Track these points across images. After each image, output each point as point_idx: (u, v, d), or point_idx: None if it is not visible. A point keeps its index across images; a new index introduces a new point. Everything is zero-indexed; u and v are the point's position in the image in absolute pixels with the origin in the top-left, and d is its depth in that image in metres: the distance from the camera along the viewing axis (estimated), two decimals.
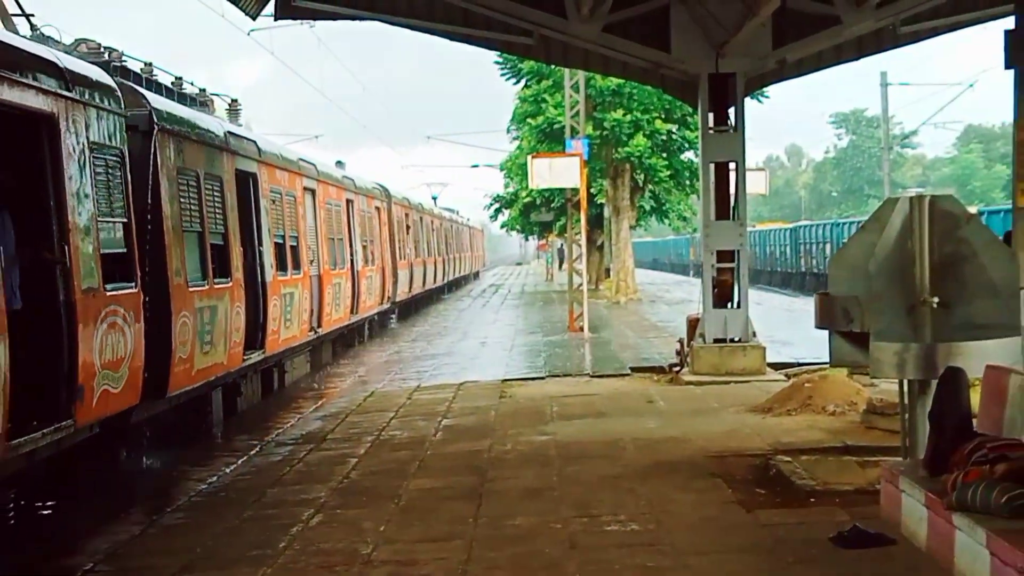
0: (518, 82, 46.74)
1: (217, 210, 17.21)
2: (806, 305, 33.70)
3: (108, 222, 12.91)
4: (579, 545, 9.21)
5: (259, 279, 19.29)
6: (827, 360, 11.52)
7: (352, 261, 29.08)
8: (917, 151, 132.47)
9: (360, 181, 32.63)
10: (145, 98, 14.85)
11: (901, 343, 9.58)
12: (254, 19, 20.06)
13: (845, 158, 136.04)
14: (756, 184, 34.93)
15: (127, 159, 13.53)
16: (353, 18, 20.04)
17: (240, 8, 18.69)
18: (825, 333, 10.29)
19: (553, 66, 38.40)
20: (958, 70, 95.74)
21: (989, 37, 18.34)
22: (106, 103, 12.98)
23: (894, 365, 9.68)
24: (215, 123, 18.22)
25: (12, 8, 13.56)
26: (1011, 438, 8.14)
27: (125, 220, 13.38)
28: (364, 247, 31.34)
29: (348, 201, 29.48)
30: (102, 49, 15.06)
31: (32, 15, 13.71)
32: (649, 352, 25.19)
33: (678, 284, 62.93)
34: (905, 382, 10.09)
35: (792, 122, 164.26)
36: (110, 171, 13.00)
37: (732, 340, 19.44)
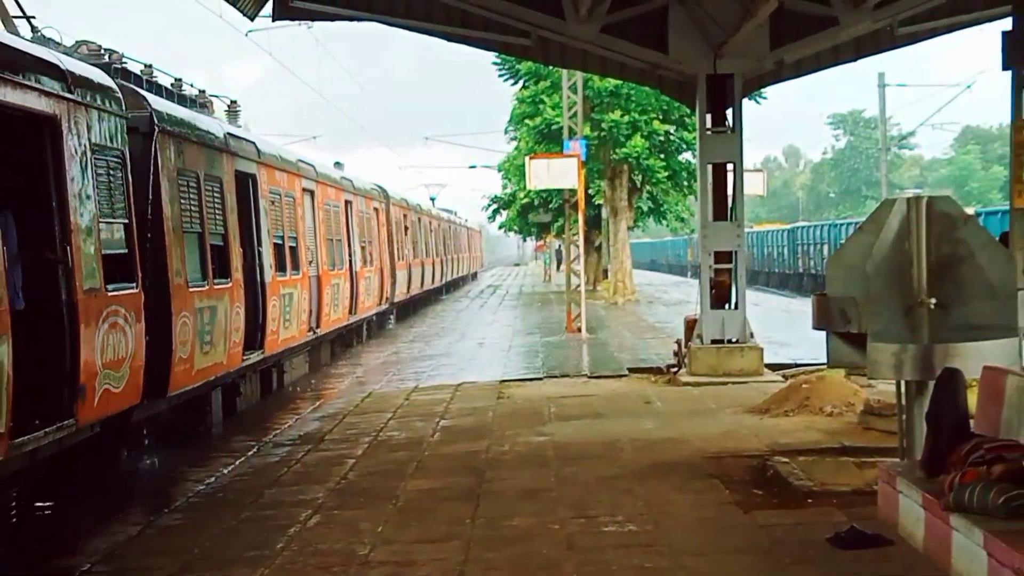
0: (516, 83, 46.76)
1: (217, 211, 17.25)
2: (803, 306, 33.65)
3: (109, 223, 12.95)
4: (577, 546, 9.23)
5: (258, 280, 19.32)
6: (824, 361, 11.56)
7: (351, 262, 29.11)
8: (915, 152, 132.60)
9: (358, 182, 32.65)
10: (146, 100, 14.89)
11: (898, 344, 9.59)
12: (252, 20, 20.07)
13: (843, 159, 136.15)
14: (754, 185, 34.89)
15: (128, 160, 13.58)
16: (351, 19, 20.04)
17: (238, 9, 18.69)
18: (823, 334, 10.30)
19: (551, 67, 38.40)
20: (956, 71, 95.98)
21: (987, 38, 18.39)
22: (107, 105, 13.03)
23: (891, 366, 9.69)
24: (215, 124, 18.25)
25: (13, 10, 13.59)
26: (1008, 439, 8.15)
27: (126, 221, 13.43)
28: (362, 248, 31.36)
29: (347, 202, 29.50)
30: (102, 51, 15.10)
31: (33, 17, 13.76)
32: (647, 353, 25.22)
33: (676, 285, 62.93)
34: (902, 383, 10.09)
35: (790, 123, 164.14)
36: (111, 172, 13.05)
37: (730, 341, 19.45)
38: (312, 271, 24.05)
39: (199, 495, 12.69)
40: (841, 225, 56.20)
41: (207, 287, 16.28)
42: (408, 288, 42.14)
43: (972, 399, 9.01)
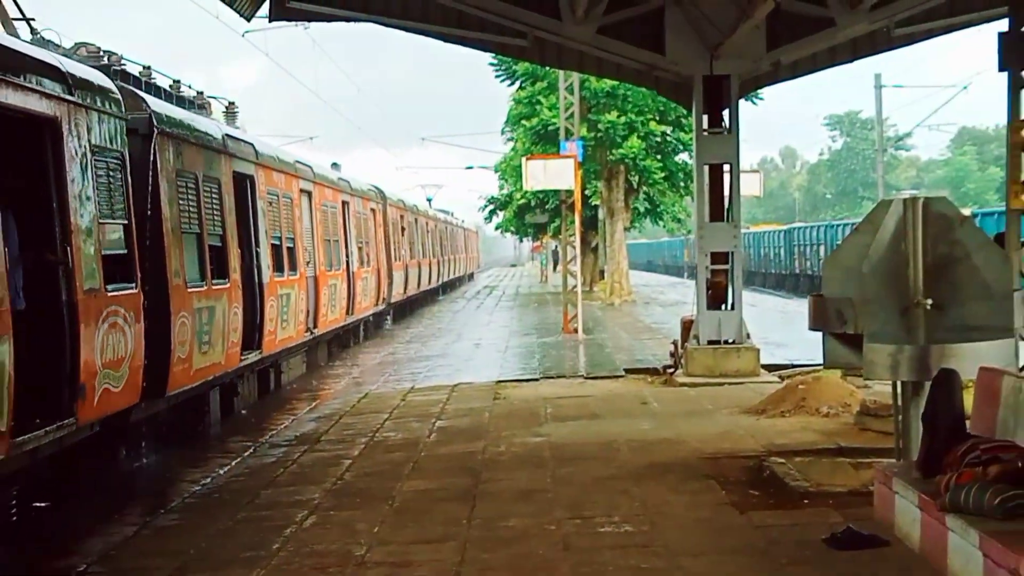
0: (512, 84, 46.80)
1: (215, 212, 17.29)
2: (800, 307, 33.71)
3: (109, 224, 13.02)
4: (573, 546, 9.23)
5: (256, 280, 19.36)
6: (821, 362, 11.57)
7: (348, 262, 29.15)
8: (911, 153, 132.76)
9: (356, 183, 32.69)
10: (145, 102, 14.94)
11: (895, 345, 9.61)
12: (248, 20, 20.09)
13: (839, 160, 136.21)
14: (750, 186, 34.94)
15: (127, 162, 13.65)
16: (347, 19, 20.05)
17: (235, 9, 18.71)
18: (819, 335, 10.30)
19: (547, 68, 38.43)
20: (952, 72, 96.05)
21: (983, 39, 18.40)
22: (107, 107, 13.08)
23: (888, 367, 9.71)
24: (213, 126, 18.30)
25: (13, 12, 13.61)
26: (1004, 440, 8.17)
27: (125, 222, 13.50)
28: (359, 248, 31.38)
29: (344, 203, 29.53)
30: (101, 53, 15.17)
31: (33, 19, 13.79)
32: (643, 354, 25.23)
33: (672, 286, 62.90)
34: (898, 384, 10.12)
35: (786, 124, 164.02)
36: (111, 174, 13.10)
37: (726, 342, 19.45)
38: (309, 272, 24.08)
39: (195, 495, 12.69)
40: (837, 226, 56.24)
41: (205, 287, 16.33)
42: (405, 289, 42.17)
43: (968, 400, 9.03)
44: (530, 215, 52.15)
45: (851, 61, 20.90)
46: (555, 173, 29.25)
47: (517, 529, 9.86)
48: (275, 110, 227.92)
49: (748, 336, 19.70)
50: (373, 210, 35.27)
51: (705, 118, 19.69)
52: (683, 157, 44.46)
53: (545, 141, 42.89)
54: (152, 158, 14.65)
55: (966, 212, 19.54)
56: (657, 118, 42.69)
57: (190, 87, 18.57)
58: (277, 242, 21.11)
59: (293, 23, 22.10)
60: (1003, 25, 14.70)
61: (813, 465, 11.91)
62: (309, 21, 21.44)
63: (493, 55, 40.03)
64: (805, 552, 8.67)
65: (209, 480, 13.57)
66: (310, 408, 19.69)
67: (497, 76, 45.82)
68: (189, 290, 15.56)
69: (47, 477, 12.46)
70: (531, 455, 13.39)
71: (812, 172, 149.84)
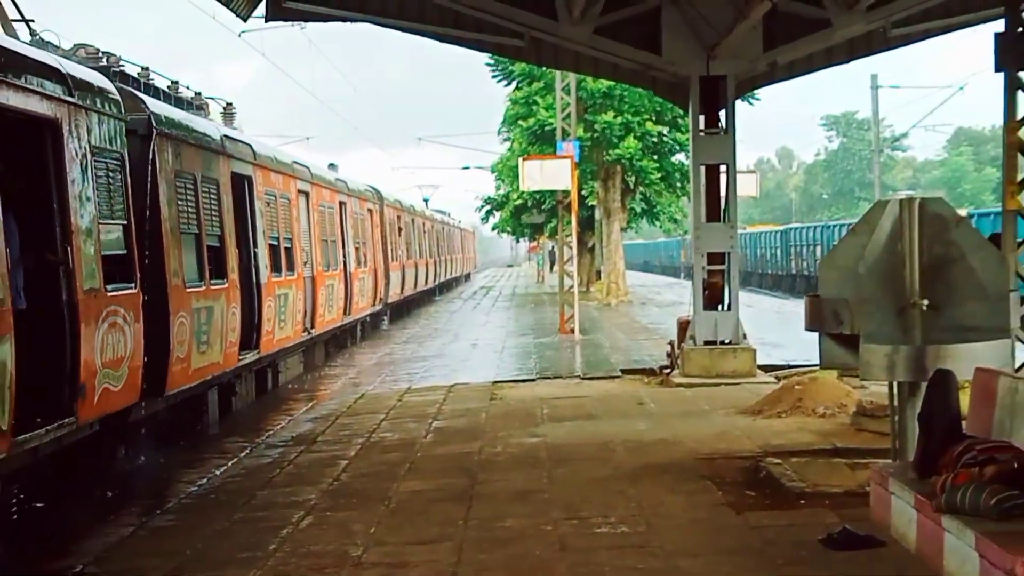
0: (509, 84, 46.80)
1: (213, 212, 17.32)
2: (796, 307, 33.83)
3: (109, 224, 13.04)
4: (569, 547, 9.24)
5: (254, 280, 19.38)
6: (817, 362, 11.55)
7: (345, 263, 29.17)
8: (907, 154, 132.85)
9: (353, 183, 32.70)
10: (144, 103, 14.97)
11: (891, 345, 9.62)
12: (245, 20, 20.11)
13: (835, 160, 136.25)
14: (747, 186, 34.90)
15: (127, 163, 13.67)
16: (344, 19, 20.07)
17: (231, 9, 18.74)
18: (815, 335, 10.32)
19: (544, 68, 38.44)
20: (948, 73, 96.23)
21: (979, 40, 18.46)
22: (107, 108, 13.11)
23: (884, 367, 9.72)
24: (211, 127, 18.34)
25: (12, 14, 13.62)
26: (1000, 440, 8.17)
27: (125, 222, 13.53)
28: (357, 249, 31.39)
29: (341, 203, 29.54)
30: (100, 54, 15.19)
31: (32, 20, 13.80)
32: (640, 354, 25.23)
33: (669, 286, 62.94)
34: (895, 384, 10.13)
35: (783, 124, 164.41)
36: (111, 174, 13.13)
37: (722, 342, 19.46)
38: (307, 272, 24.10)
39: (192, 496, 12.72)
40: (834, 226, 56.33)
41: (204, 287, 16.35)
42: (402, 289, 42.18)
43: (964, 400, 9.04)
44: (527, 215, 52.15)
45: (847, 62, 20.93)
46: (551, 173, 29.26)
47: (513, 530, 9.87)
48: (271, 110, 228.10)
49: (744, 336, 19.71)
50: (370, 210, 35.27)
51: (701, 118, 19.72)
52: (679, 157, 44.45)
53: (542, 141, 42.90)
54: (151, 159, 14.68)
55: (962, 213, 19.57)
56: (653, 118, 42.69)
57: (188, 88, 18.60)
58: (275, 242, 21.13)
59: (289, 23, 22.08)
60: (999, 26, 14.75)
61: (809, 466, 11.94)
62: (305, 21, 21.45)
63: (490, 55, 40.02)
64: (801, 552, 8.69)
65: (206, 480, 13.60)
66: (307, 408, 19.70)
67: (494, 76, 45.88)
68: (188, 290, 15.59)
69: (46, 476, 12.48)
70: (527, 456, 13.40)
71: (808, 172, 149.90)
